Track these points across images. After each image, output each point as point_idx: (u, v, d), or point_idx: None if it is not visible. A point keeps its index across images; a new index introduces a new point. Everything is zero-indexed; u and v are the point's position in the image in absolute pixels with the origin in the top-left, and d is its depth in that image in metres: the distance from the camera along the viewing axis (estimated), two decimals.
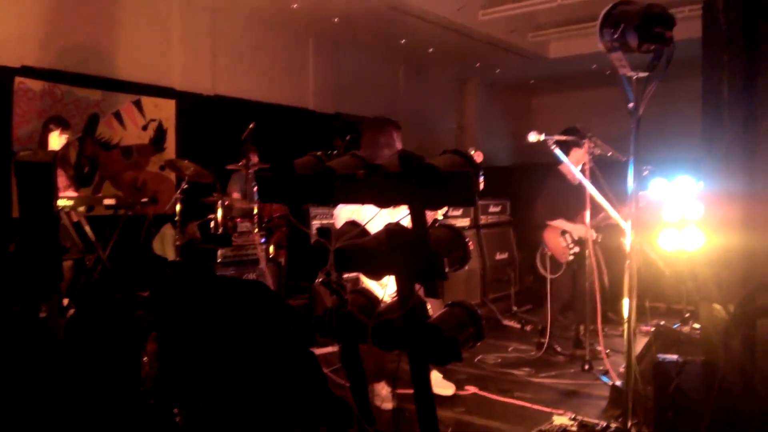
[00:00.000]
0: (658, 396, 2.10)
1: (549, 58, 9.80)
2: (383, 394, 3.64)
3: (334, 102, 8.66)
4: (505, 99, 12.20)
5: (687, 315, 4.98)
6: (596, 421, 3.30)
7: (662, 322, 3.99)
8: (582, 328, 4.60)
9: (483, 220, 6.33)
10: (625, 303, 2.31)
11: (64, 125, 4.79)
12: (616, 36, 2.21)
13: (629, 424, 2.36)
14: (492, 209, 6.49)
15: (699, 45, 2.19)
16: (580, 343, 4.63)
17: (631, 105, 2.29)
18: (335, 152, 5.75)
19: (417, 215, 2.02)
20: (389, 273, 2.21)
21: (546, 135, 3.30)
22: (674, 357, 1.99)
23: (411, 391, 2.29)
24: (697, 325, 4.41)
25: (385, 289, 3.38)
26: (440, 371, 3.85)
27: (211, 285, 2.95)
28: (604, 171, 4.16)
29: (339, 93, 8.72)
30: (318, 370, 2.75)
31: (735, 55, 1.62)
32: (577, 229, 4.41)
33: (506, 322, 5.94)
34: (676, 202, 4.22)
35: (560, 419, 3.35)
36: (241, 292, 2.72)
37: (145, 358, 3.30)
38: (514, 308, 6.21)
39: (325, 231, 2.27)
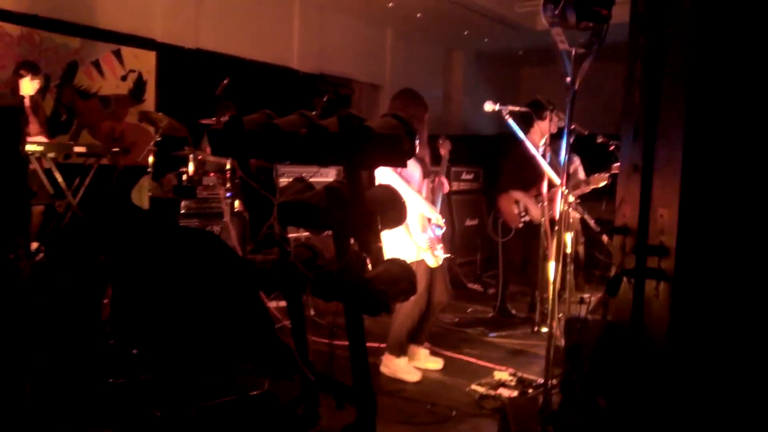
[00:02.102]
0: (565, 351, 2.29)
1: (537, 30, 9.79)
2: (406, 366, 3.64)
3: (318, 63, 8.64)
4: (493, 69, 12.19)
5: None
6: (534, 377, 3.49)
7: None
8: (536, 292, 4.79)
9: (455, 186, 6.46)
10: (551, 266, 2.46)
11: (34, 70, 4.80)
12: (556, 12, 2.31)
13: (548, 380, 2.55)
14: (465, 176, 6.62)
15: None
16: (533, 307, 4.83)
17: (568, 79, 2.41)
18: (314, 113, 5.82)
19: (352, 174, 2.14)
20: (328, 228, 2.35)
21: (500, 105, 3.40)
22: (581, 315, 2.15)
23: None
24: None
25: (437, 249, 3.57)
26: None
27: (165, 233, 3.08)
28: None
29: (324, 54, 8.69)
30: (265, 317, 2.90)
31: (648, 38, 1.72)
32: (532, 207, 4.57)
33: (470, 286, 6.13)
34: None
35: (501, 374, 3.54)
36: (192, 241, 2.84)
37: (105, 301, 3.44)
38: (479, 273, 6.40)
39: (270, 186, 2.39)
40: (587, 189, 4.54)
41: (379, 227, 2.22)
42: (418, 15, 9.19)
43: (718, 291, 1.45)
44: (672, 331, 1.45)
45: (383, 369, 3.67)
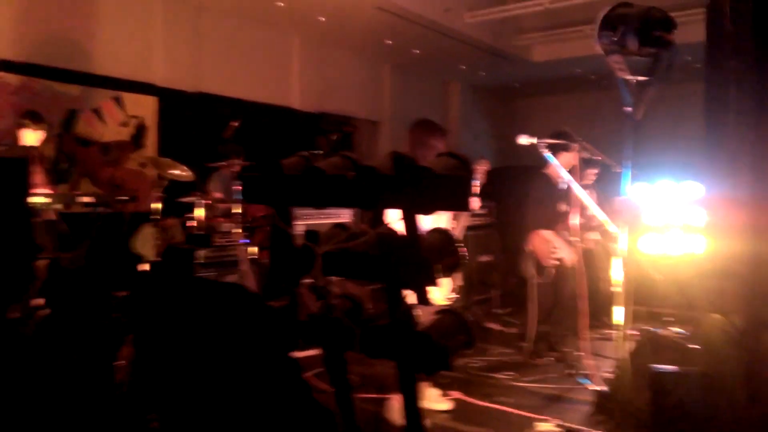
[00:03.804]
0: (655, 408, 2.06)
1: (533, 62, 9.81)
2: (396, 406, 3.53)
3: (319, 101, 8.57)
4: (490, 101, 12.22)
5: (670, 319, 4.98)
6: (581, 427, 3.27)
7: (648, 328, 3.98)
8: (558, 332, 4.61)
9: (468, 222, 6.29)
10: (617, 310, 2.27)
11: (37, 120, 4.64)
12: (615, 39, 2.17)
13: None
14: (477, 211, 6.45)
15: (692, 50, 2.16)
16: (553, 348, 4.64)
17: (629, 109, 2.26)
18: (321, 152, 5.68)
19: (409, 219, 1.96)
20: (378, 279, 2.15)
21: (538, 138, 3.27)
22: (672, 368, 1.95)
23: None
24: (679, 330, 4.42)
25: (441, 289, 3.38)
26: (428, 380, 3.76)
27: (188, 287, 2.87)
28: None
29: (324, 92, 8.63)
30: (300, 376, 2.67)
31: (742, 60, 1.58)
32: (562, 248, 4.39)
33: (488, 325, 5.91)
34: (657, 205, 4.23)
35: (545, 426, 3.32)
36: (218, 295, 2.64)
37: (120, 362, 3.20)
38: (497, 311, 6.19)
39: (313, 234, 2.20)
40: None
41: (438, 276, 2.03)
42: (416, 51, 9.18)
43: None
44: None
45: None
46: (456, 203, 1.98)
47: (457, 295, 3.48)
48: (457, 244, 2.14)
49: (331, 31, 8.03)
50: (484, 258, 6.43)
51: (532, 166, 4.67)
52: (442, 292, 3.46)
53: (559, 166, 3.22)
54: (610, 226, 3.43)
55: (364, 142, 9.22)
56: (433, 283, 2.06)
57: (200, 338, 2.69)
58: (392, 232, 2.05)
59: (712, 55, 1.69)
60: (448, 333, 2.17)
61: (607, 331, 5.05)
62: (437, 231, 2.17)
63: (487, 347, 5.15)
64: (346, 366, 2.45)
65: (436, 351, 2.04)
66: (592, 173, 4.47)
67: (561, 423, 3.34)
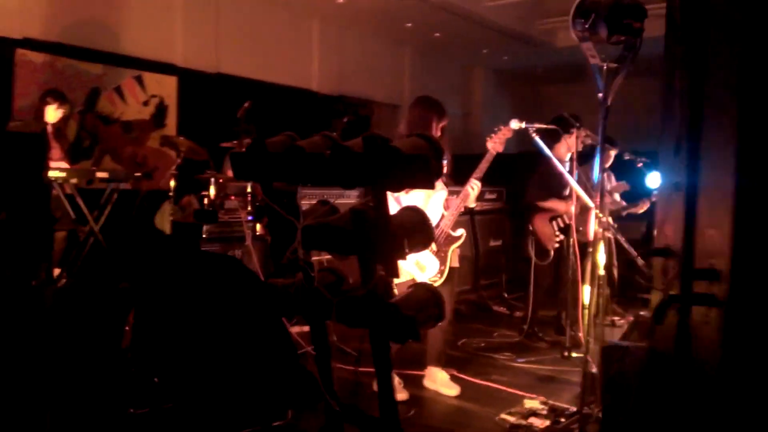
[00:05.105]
0: (603, 380, 2.16)
1: (557, 47, 9.73)
2: (445, 378, 3.69)
3: (337, 84, 8.67)
4: (513, 87, 12.14)
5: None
6: (566, 406, 3.36)
7: (642, 312, 4.02)
8: (564, 314, 4.64)
9: (477, 206, 6.34)
10: (587, 290, 2.35)
11: (61, 99, 4.86)
12: (586, 26, 2.23)
13: (584, 406, 2.42)
14: (488, 196, 6.51)
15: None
16: (561, 330, 4.68)
17: (600, 95, 2.32)
18: (335, 134, 5.78)
19: (378, 196, 2.06)
20: (353, 253, 2.27)
21: (527, 123, 3.32)
22: (622, 342, 2.03)
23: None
24: None
25: (425, 272, 3.48)
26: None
27: (187, 259, 3.02)
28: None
29: (343, 75, 8.72)
30: (288, 344, 2.82)
31: (688, 49, 1.64)
32: (567, 209, 4.40)
33: (496, 308, 6.00)
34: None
35: (531, 402, 3.41)
36: (214, 266, 2.78)
37: (127, 328, 3.39)
38: (505, 294, 6.26)
39: (295, 209, 2.32)
40: (623, 213, 4.40)
41: (406, 251, 2.14)
42: (436, 35, 9.18)
43: None
44: (724, 361, 1.35)
45: (427, 383, 3.72)
46: (421, 182, 2.07)
47: (442, 278, 3.51)
48: (429, 223, 2.25)
49: (351, 13, 8.09)
50: (494, 243, 6.49)
51: (538, 150, 4.71)
52: (426, 274, 3.52)
53: (548, 152, 3.27)
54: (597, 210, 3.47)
55: (383, 125, 9.30)
56: (402, 257, 2.17)
57: (197, 305, 2.85)
58: (366, 209, 2.15)
59: (666, 43, 1.75)
60: (419, 305, 2.28)
61: (612, 317, 5.09)
62: (409, 209, 2.27)
63: (491, 329, 5.25)
64: (326, 334, 2.58)
65: (404, 321, 2.14)
66: (609, 156, 4.49)
67: (546, 400, 3.43)
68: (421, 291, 2.33)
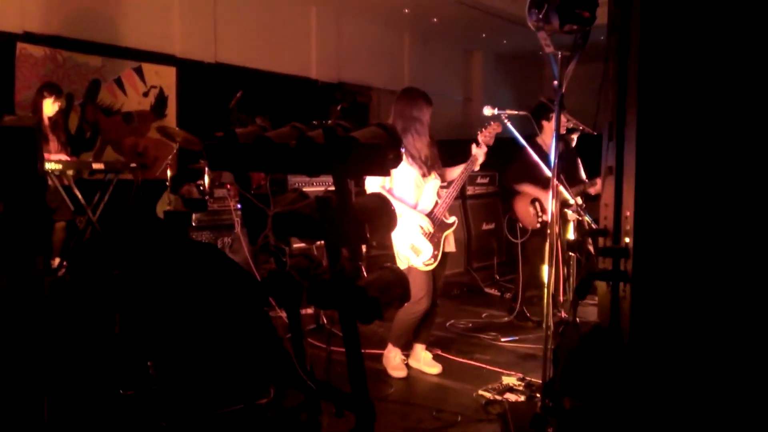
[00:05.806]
0: (553, 353, 2.28)
1: (556, 31, 9.71)
2: (395, 362, 3.78)
3: (337, 71, 8.73)
4: (513, 71, 12.13)
5: None
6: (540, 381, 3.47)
7: None
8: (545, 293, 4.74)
9: (470, 190, 6.45)
10: (545, 269, 2.46)
11: (57, 92, 5.00)
12: (540, 16, 2.32)
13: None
14: (480, 180, 6.59)
15: None
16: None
17: (555, 82, 2.41)
18: (315, 122, 5.87)
19: (339, 184, 2.18)
20: (320, 238, 2.39)
21: (499, 110, 3.41)
22: (572, 320, 2.14)
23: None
24: None
25: (420, 256, 3.61)
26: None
27: (170, 247, 3.17)
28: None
29: (342, 62, 8.77)
30: (268, 326, 2.95)
31: (617, 39, 1.73)
32: (543, 195, 4.50)
33: (487, 290, 6.12)
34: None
35: (509, 379, 3.54)
36: (195, 254, 2.92)
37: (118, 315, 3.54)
38: (497, 277, 6.37)
39: (264, 197, 2.45)
40: (592, 192, 4.47)
41: (368, 235, 2.25)
42: (434, 20, 9.21)
43: (674, 290, 1.44)
44: (633, 331, 1.45)
45: (411, 362, 3.83)
46: (377, 169, 2.19)
47: (435, 262, 3.63)
48: (391, 208, 2.36)
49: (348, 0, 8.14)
50: (486, 226, 6.59)
51: (527, 135, 4.79)
52: (420, 258, 3.64)
53: (519, 138, 3.36)
54: (569, 194, 3.58)
55: (384, 111, 9.37)
56: (365, 241, 2.29)
57: (181, 291, 3.00)
58: (330, 196, 2.27)
59: (609, 35, 1.85)
60: (385, 286, 2.40)
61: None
62: (374, 195, 2.39)
63: (480, 310, 5.37)
64: (299, 316, 2.72)
65: (368, 302, 2.27)
66: (572, 138, 4.56)
67: (523, 377, 3.55)
68: (387, 273, 2.46)
